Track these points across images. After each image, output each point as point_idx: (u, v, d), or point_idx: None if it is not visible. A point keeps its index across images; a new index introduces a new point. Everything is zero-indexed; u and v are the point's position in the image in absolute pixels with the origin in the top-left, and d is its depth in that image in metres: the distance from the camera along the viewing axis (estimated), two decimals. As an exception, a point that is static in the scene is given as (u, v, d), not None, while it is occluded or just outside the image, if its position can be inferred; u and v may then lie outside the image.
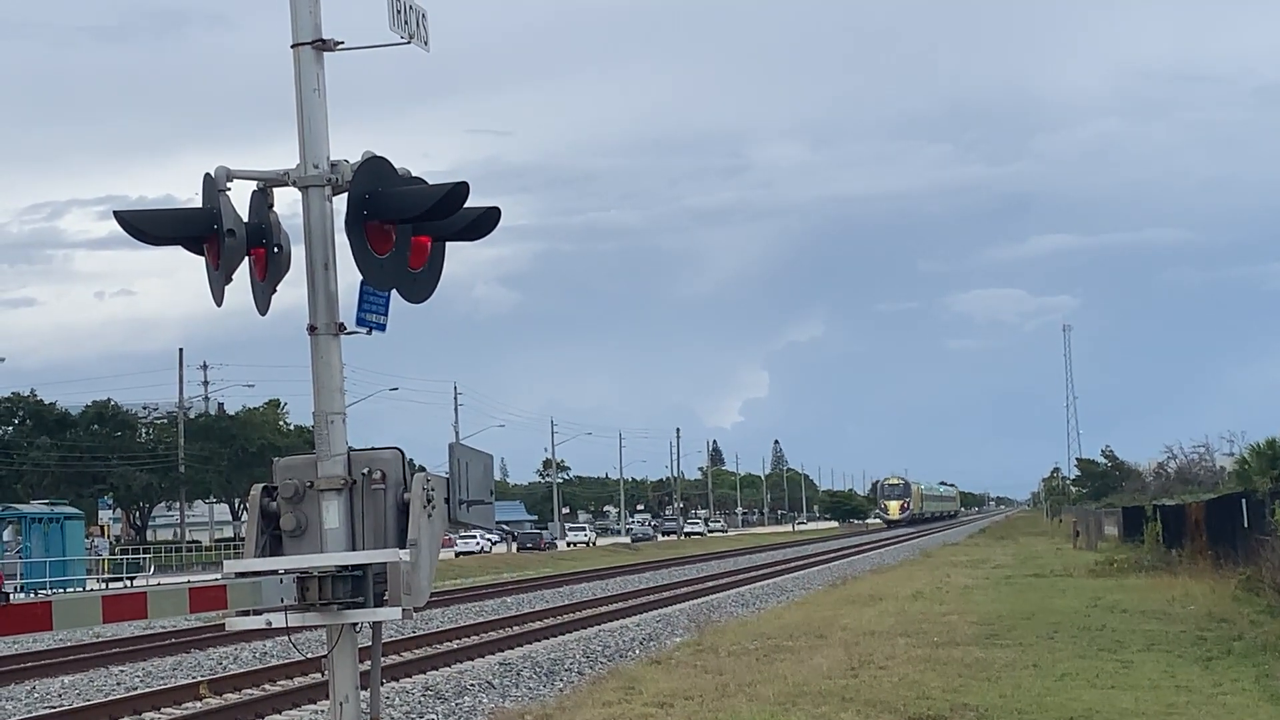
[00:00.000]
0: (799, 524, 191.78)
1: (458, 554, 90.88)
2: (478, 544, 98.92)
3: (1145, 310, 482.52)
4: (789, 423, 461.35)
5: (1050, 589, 34.89)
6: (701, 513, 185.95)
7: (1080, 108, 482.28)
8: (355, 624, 7.86)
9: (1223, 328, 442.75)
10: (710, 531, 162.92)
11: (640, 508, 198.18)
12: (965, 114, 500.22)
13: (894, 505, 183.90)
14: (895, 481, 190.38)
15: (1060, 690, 15.94)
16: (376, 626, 8.17)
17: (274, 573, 7.48)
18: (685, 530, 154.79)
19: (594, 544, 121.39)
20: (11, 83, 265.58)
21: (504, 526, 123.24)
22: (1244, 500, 34.38)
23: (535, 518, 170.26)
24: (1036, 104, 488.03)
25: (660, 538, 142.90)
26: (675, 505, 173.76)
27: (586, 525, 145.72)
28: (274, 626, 7.56)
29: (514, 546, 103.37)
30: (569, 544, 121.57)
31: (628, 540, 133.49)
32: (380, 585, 7.70)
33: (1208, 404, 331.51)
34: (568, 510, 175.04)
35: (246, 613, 7.61)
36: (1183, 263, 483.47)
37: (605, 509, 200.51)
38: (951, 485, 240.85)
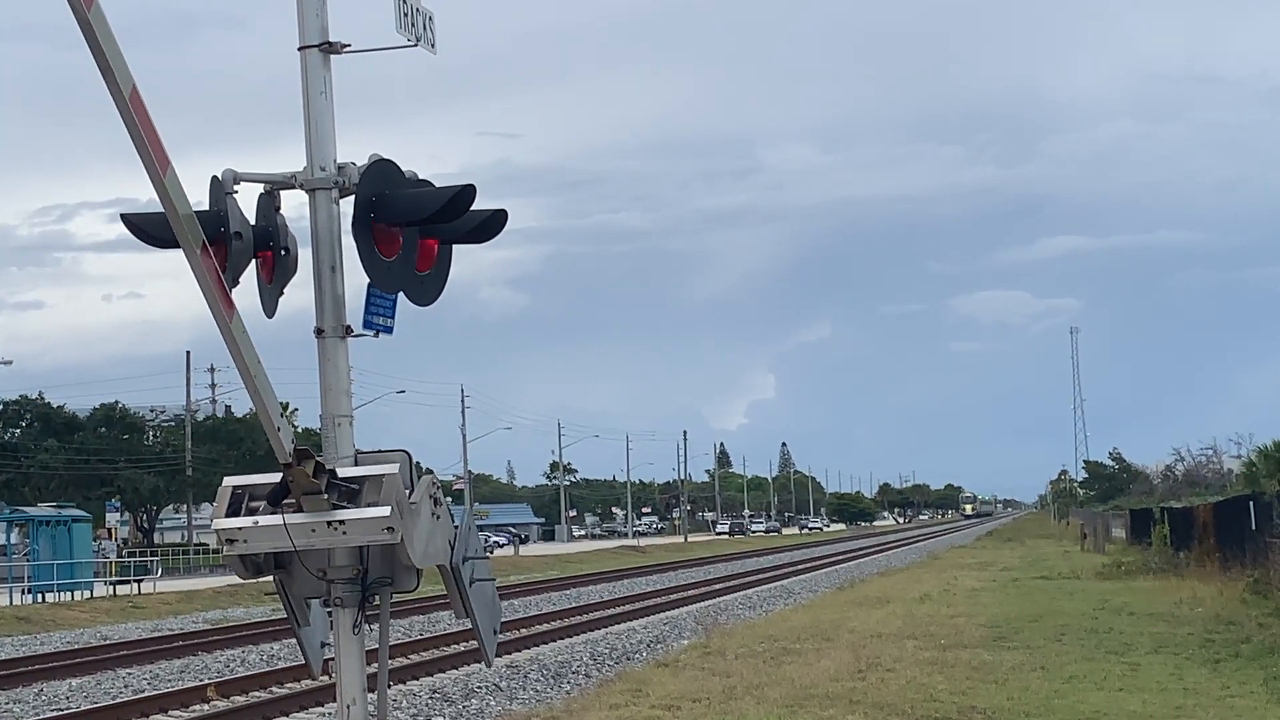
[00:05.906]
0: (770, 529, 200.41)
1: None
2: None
3: (1153, 312, 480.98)
4: (796, 425, 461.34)
5: (1058, 591, 34.87)
6: (799, 516, 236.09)
7: (1092, 110, 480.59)
8: (364, 608, 7.75)
9: (1232, 330, 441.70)
10: (822, 528, 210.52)
11: (647, 510, 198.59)
12: (976, 116, 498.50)
13: (968, 506, 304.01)
14: (969, 494, 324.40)
15: (1068, 693, 15.94)
16: (384, 630, 8.12)
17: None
18: (809, 525, 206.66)
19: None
20: (21, 85, 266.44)
21: (512, 529, 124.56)
22: (1252, 503, 34.34)
23: (542, 520, 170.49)
24: (1048, 106, 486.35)
25: (783, 531, 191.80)
26: (682, 507, 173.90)
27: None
28: (261, 525, 7.38)
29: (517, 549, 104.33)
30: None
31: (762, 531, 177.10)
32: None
33: (1216, 407, 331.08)
34: (574, 513, 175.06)
35: (236, 513, 7.46)
36: (1193, 265, 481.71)
37: (612, 511, 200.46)
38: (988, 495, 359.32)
